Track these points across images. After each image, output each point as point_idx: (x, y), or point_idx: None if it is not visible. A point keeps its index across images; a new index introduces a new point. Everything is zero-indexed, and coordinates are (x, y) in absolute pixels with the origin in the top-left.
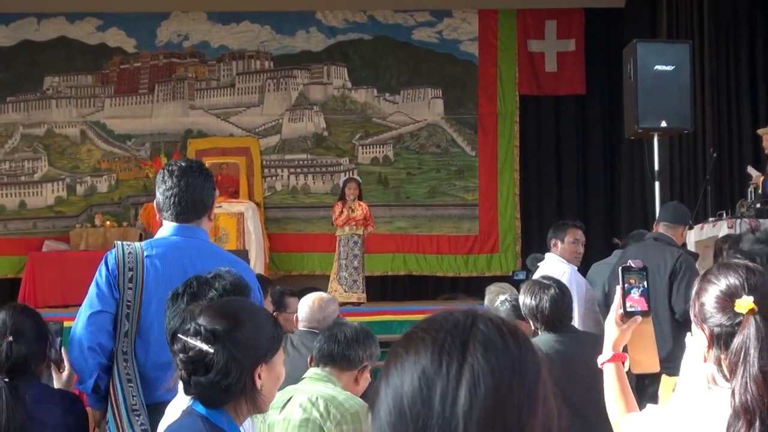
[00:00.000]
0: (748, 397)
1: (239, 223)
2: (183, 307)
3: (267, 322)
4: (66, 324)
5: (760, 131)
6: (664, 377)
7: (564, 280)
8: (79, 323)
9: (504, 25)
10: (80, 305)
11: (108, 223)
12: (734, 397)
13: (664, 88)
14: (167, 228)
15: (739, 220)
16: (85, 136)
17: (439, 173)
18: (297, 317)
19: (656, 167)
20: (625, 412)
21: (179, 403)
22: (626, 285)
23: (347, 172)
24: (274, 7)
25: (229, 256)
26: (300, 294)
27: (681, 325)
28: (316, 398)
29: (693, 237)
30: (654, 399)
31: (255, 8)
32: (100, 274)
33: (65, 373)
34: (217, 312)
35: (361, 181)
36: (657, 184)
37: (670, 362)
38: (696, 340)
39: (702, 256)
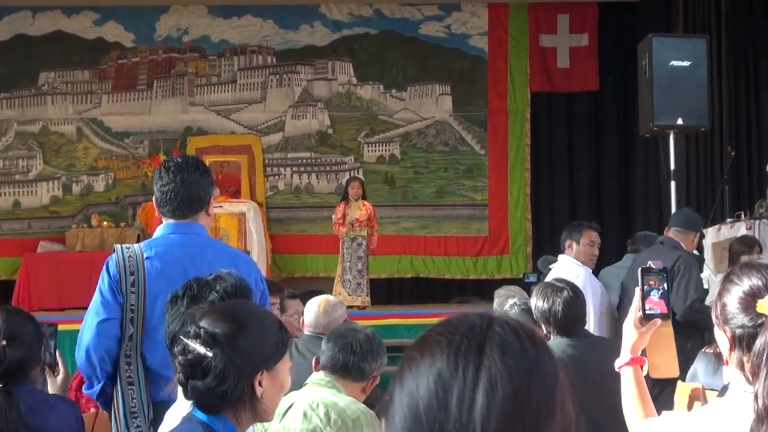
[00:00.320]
0: None
1: (240, 224)
2: (183, 310)
3: (272, 328)
4: (61, 327)
5: None
6: (679, 383)
7: (579, 282)
8: (86, 331)
9: (515, 20)
10: (76, 308)
11: (105, 223)
12: (757, 401)
13: (680, 84)
14: (164, 226)
15: (757, 222)
16: (82, 133)
17: (447, 172)
18: (303, 321)
19: (672, 166)
20: (643, 418)
21: (179, 409)
22: (645, 287)
23: (352, 171)
24: (277, 1)
25: (229, 249)
26: (302, 297)
27: (680, 326)
28: (317, 404)
29: (710, 239)
30: (664, 405)
31: (257, 2)
32: (103, 281)
33: (60, 377)
34: (220, 315)
35: (364, 179)
36: (673, 184)
37: None
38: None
39: (719, 259)
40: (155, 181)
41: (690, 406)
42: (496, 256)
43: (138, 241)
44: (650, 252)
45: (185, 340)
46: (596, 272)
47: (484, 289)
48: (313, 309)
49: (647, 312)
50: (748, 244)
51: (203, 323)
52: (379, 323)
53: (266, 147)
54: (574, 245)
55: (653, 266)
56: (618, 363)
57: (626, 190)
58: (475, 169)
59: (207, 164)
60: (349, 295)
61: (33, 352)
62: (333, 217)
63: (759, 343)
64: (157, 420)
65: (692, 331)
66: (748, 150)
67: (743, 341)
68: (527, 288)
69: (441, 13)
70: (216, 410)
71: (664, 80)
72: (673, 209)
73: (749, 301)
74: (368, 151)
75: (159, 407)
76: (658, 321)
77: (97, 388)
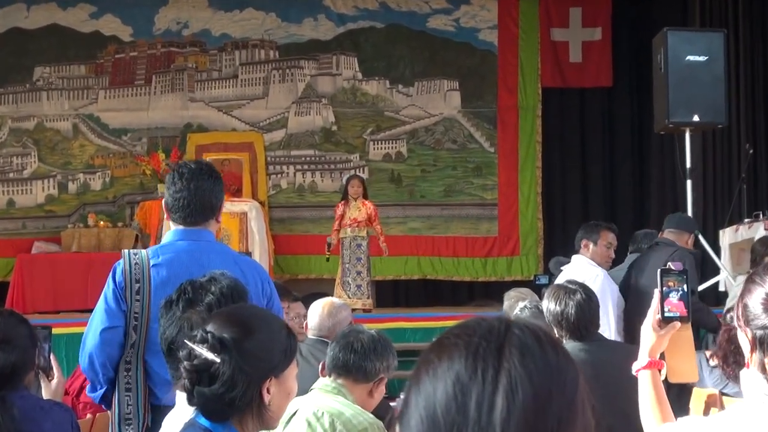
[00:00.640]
0: None
1: (242, 224)
2: (179, 315)
3: (280, 333)
4: (56, 330)
5: None
6: (695, 389)
7: (597, 284)
8: (90, 336)
9: (525, 13)
10: (72, 310)
11: (102, 223)
12: None
13: (696, 79)
14: (173, 232)
15: None
16: (78, 130)
17: (455, 170)
18: (306, 324)
19: (688, 164)
20: (660, 422)
21: (177, 415)
22: (664, 288)
23: (357, 169)
24: None
25: (236, 254)
26: (305, 299)
27: None
28: (322, 413)
29: (727, 239)
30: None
31: None
32: (108, 288)
33: (54, 382)
34: (227, 319)
35: (367, 177)
36: (689, 183)
37: None
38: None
39: (737, 260)
40: (167, 186)
41: (706, 413)
42: (506, 257)
43: (136, 241)
44: (648, 254)
45: (191, 345)
46: None
47: (493, 292)
48: (317, 312)
49: (666, 314)
50: None
51: (210, 328)
52: (384, 326)
53: (268, 144)
54: (591, 246)
55: (673, 267)
56: (635, 366)
57: (641, 190)
58: (484, 167)
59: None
60: (349, 298)
61: (27, 357)
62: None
63: None
64: (157, 425)
65: None
66: (766, 147)
67: (764, 343)
68: (538, 290)
69: (449, 6)
70: (222, 417)
71: (679, 75)
72: (690, 209)
73: None
74: (374, 148)
75: (165, 411)
76: (678, 324)
77: (100, 392)
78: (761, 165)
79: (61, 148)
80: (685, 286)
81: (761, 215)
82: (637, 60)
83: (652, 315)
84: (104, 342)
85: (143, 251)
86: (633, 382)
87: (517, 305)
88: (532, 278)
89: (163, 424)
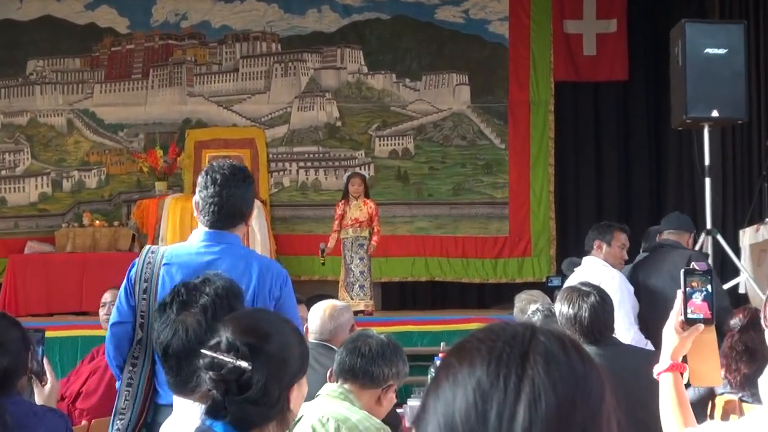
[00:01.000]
0: None
1: None
2: (173, 317)
3: (296, 336)
4: (49, 333)
5: None
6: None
7: (614, 286)
8: (107, 330)
9: (537, 4)
10: (66, 313)
11: (97, 222)
12: None
13: (715, 73)
14: (197, 234)
15: None
16: (73, 125)
17: (464, 168)
18: (307, 328)
19: (707, 162)
20: (682, 427)
21: (177, 422)
22: (688, 289)
23: (362, 167)
24: None
25: (252, 258)
26: (309, 301)
27: None
28: (327, 419)
29: (748, 239)
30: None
31: None
32: (124, 283)
33: (48, 387)
34: (246, 326)
35: (366, 176)
36: (707, 181)
37: None
38: None
39: (758, 261)
40: (199, 188)
41: (725, 420)
42: (518, 258)
43: (133, 241)
44: (656, 256)
45: (214, 354)
46: None
47: (504, 294)
48: (318, 314)
49: (689, 316)
50: None
51: (229, 335)
52: (391, 330)
53: (270, 141)
54: (604, 246)
55: (697, 267)
56: (657, 369)
57: (657, 188)
58: (494, 164)
59: (208, 161)
60: (352, 299)
61: (19, 361)
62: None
63: None
64: (158, 425)
65: None
66: None
67: None
68: (551, 292)
69: None
70: (252, 426)
71: (698, 69)
72: (708, 208)
73: None
74: (380, 145)
75: (168, 411)
76: (701, 326)
77: (119, 382)
78: None
79: (55, 145)
80: (709, 287)
81: None
82: (653, 53)
83: (675, 316)
84: (113, 335)
85: (162, 248)
86: (651, 388)
87: (528, 308)
88: (544, 280)
89: (160, 431)
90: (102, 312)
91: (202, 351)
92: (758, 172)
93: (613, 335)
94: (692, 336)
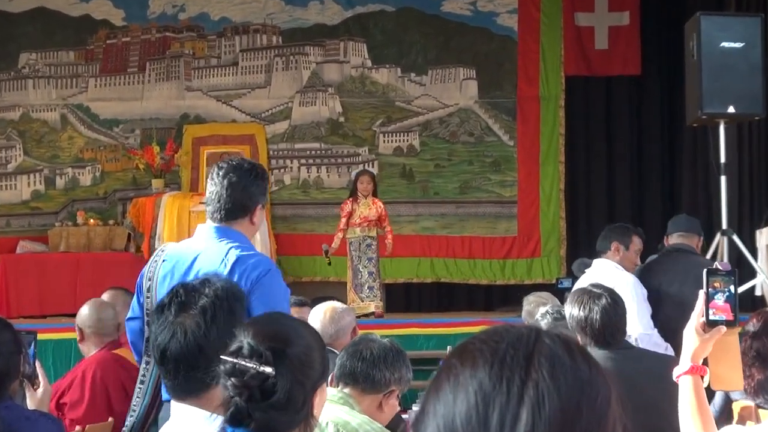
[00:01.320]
0: None
1: None
2: (171, 319)
3: (317, 340)
4: (42, 336)
5: None
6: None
7: (629, 289)
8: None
9: None
10: (59, 315)
11: (92, 221)
12: None
13: (732, 67)
14: (199, 229)
15: None
16: (66, 121)
17: (471, 165)
18: None
19: (722, 159)
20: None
21: (174, 428)
22: (710, 289)
23: (366, 164)
24: None
25: (230, 252)
26: (314, 304)
27: None
28: (326, 423)
29: (764, 240)
30: None
31: None
32: (138, 279)
33: (40, 391)
34: (266, 329)
35: (375, 173)
36: (723, 179)
37: None
38: None
39: None
40: (207, 181)
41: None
42: (526, 259)
43: (128, 241)
44: (668, 260)
45: (235, 360)
46: None
47: (512, 296)
48: (318, 317)
49: (711, 318)
50: None
51: (250, 340)
52: (395, 333)
53: (271, 137)
54: (622, 249)
55: (720, 267)
56: (676, 372)
57: (671, 186)
58: (503, 162)
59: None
60: (363, 301)
61: (11, 364)
62: (340, 214)
63: None
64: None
65: None
66: None
67: None
68: (561, 294)
69: None
70: None
71: (713, 63)
72: (724, 208)
73: None
74: (384, 141)
75: None
76: (723, 328)
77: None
78: None
79: (48, 141)
80: (732, 288)
81: None
82: (667, 47)
83: (696, 318)
84: (129, 330)
85: (170, 245)
86: (667, 393)
87: (537, 311)
88: (553, 282)
89: None
90: None
91: (222, 357)
92: None
93: (626, 338)
94: (714, 338)
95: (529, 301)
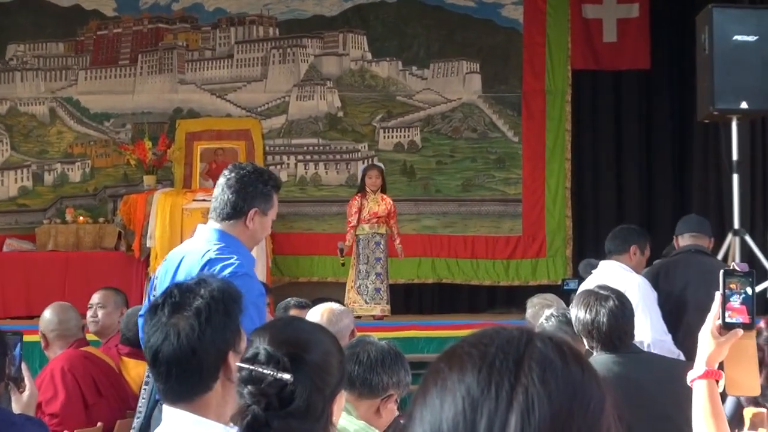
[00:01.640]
0: None
1: None
2: (164, 320)
3: (335, 344)
4: (29, 337)
5: None
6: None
7: (640, 292)
8: None
9: None
10: None
11: (81, 218)
12: None
13: (745, 62)
14: (197, 229)
15: None
16: (55, 115)
17: (475, 162)
18: None
19: (735, 157)
20: None
21: None
22: (726, 291)
23: (366, 160)
24: None
25: (216, 251)
26: (313, 305)
27: None
28: None
29: None
30: None
31: None
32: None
33: (26, 394)
34: (283, 335)
35: (384, 168)
36: (736, 178)
37: None
38: None
39: None
40: None
41: None
42: (531, 259)
43: (119, 239)
44: (694, 265)
45: (252, 367)
46: None
47: (516, 298)
48: (315, 319)
49: (727, 320)
50: None
51: (267, 346)
52: (395, 335)
53: (267, 132)
54: (638, 253)
55: (737, 268)
56: (691, 376)
57: (681, 184)
58: (507, 158)
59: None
60: (366, 303)
61: None
62: (347, 212)
63: None
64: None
65: None
66: None
67: None
68: (566, 296)
69: None
70: None
71: (726, 57)
72: (736, 207)
73: None
74: (384, 137)
75: None
76: (740, 331)
77: None
78: None
79: (36, 135)
80: (749, 289)
81: None
82: (678, 40)
83: (712, 320)
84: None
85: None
86: (677, 399)
87: (541, 313)
88: (559, 283)
89: None
90: (89, 314)
91: (238, 364)
92: None
93: (634, 342)
94: (730, 341)
95: (533, 303)
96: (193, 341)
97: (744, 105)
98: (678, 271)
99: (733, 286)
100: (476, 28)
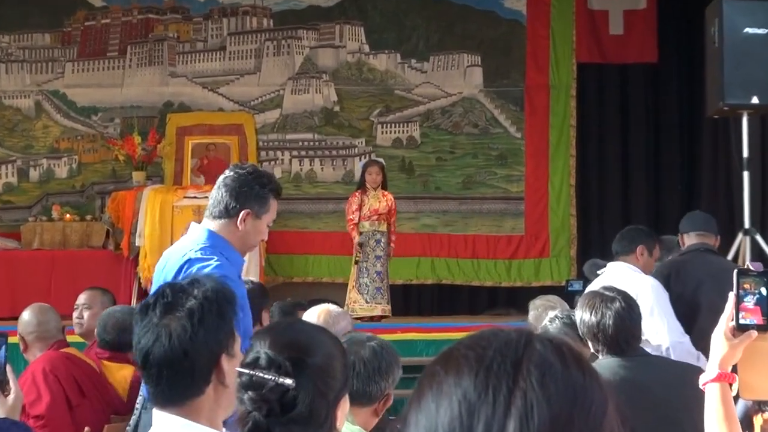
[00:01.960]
0: None
1: None
2: (156, 321)
3: (338, 347)
4: (12, 339)
5: None
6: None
7: (652, 294)
8: None
9: None
10: None
11: (68, 216)
12: None
13: (756, 55)
14: (189, 228)
15: None
16: (41, 108)
17: (476, 159)
18: None
19: (745, 154)
20: None
21: None
22: (740, 291)
23: (363, 156)
24: None
25: (196, 253)
26: (309, 306)
27: None
28: None
29: None
30: None
31: None
32: None
33: (11, 397)
34: (284, 338)
35: (385, 164)
36: (746, 175)
37: None
38: None
39: None
40: None
41: None
42: (534, 259)
43: (107, 237)
44: (707, 264)
45: (252, 372)
46: None
47: (518, 299)
48: (311, 321)
49: (741, 322)
50: None
51: (267, 350)
52: (393, 337)
53: (260, 127)
54: (646, 254)
55: (752, 268)
56: (703, 379)
57: (690, 182)
58: (509, 155)
59: (191, 151)
60: (367, 302)
61: None
62: (346, 210)
63: None
64: None
65: None
66: None
67: None
68: (571, 298)
69: None
70: None
71: (736, 51)
72: (746, 205)
73: None
74: (382, 132)
75: None
76: (754, 333)
77: None
78: None
79: (21, 129)
80: (763, 290)
81: None
82: (687, 32)
83: (725, 322)
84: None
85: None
86: (687, 404)
87: (544, 316)
88: (563, 284)
89: None
90: (75, 315)
91: (238, 369)
92: None
93: (641, 345)
94: (744, 343)
95: (535, 306)
96: (185, 343)
97: (755, 100)
98: (688, 272)
99: (747, 286)
100: (477, 20)
